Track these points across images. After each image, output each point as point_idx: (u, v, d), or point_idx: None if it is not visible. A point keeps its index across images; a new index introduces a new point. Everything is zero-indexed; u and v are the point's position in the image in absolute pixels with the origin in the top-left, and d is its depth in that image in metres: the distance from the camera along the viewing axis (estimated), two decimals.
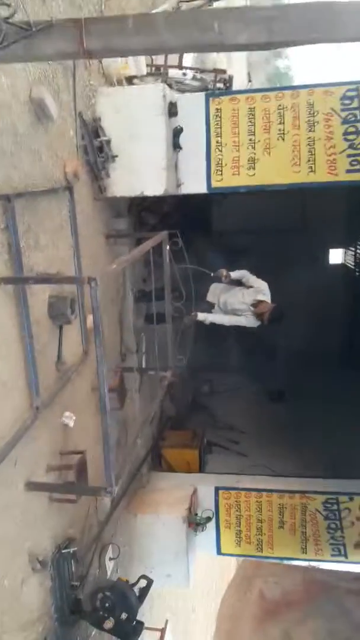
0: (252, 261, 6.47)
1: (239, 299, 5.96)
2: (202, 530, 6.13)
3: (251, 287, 5.89)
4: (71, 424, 4.22)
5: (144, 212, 6.09)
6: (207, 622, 8.93)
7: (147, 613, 6.03)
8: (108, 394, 3.25)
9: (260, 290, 5.86)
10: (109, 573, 5.06)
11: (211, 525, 6.32)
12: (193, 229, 9.30)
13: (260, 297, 5.82)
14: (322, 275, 11.24)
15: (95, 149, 4.61)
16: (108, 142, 4.75)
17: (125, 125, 4.79)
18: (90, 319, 4.75)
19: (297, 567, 6.86)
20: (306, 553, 6.16)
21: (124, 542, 5.84)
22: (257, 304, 5.81)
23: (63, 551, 4.05)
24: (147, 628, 4.97)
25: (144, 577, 4.43)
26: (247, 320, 5.92)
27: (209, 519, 6.21)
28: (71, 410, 4.22)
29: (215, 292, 6.10)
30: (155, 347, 5.22)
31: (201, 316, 5.88)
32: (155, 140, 4.80)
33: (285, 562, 6.70)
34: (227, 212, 10.63)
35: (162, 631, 6.06)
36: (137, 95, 4.90)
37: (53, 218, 3.99)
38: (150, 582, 4.38)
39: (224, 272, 5.87)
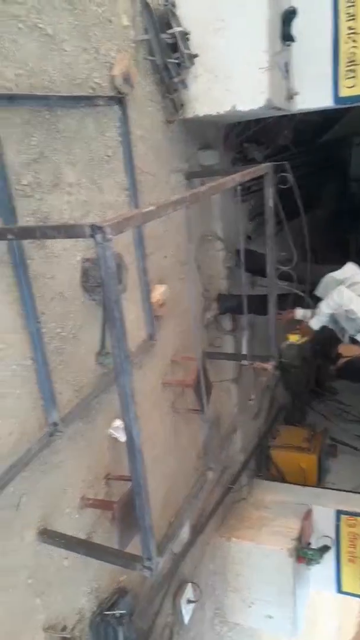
0: None
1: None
2: (318, 563, 4.71)
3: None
4: (123, 437, 3.03)
5: (248, 144, 4.53)
6: None
7: None
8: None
9: None
10: (186, 620, 3.91)
11: (330, 555, 4.88)
12: (321, 173, 7.55)
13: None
14: None
15: (165, 47, 3.20)
16: (185, 35, 3.31)
17: (211, 10, 3.30)
18: (159, 290, 3.50)
19: None
20: None
21: (215, 570, 4.65)
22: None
23: (106, 613, 2.94)
24: None
25: None
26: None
27: (325, 548, 4.77)
28: None
29: (331, 286, 3.73)
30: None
31: (301, 313, 3.95)
32: (253, 27, 3.25)
33: None
34: None
35: None
36: None
37: (88, 142, 2.70)
38: None
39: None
